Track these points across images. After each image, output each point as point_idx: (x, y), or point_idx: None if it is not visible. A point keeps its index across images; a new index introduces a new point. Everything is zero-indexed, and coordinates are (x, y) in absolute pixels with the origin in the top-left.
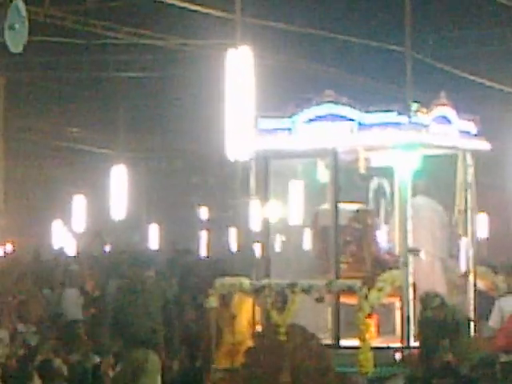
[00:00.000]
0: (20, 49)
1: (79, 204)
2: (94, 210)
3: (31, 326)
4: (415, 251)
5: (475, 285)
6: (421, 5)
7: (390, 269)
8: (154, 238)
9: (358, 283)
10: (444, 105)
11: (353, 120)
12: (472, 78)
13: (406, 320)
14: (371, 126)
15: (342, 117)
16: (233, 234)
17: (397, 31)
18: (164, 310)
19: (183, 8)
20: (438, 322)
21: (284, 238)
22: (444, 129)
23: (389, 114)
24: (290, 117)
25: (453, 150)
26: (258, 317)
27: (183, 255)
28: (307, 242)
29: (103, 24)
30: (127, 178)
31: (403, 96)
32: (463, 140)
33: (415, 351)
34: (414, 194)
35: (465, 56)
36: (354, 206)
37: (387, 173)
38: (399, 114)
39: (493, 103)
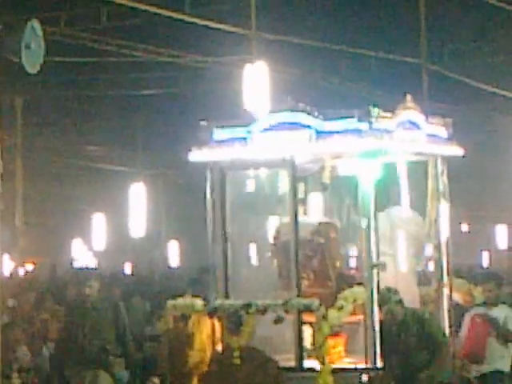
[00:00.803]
0: (36, 69)
1: (99, 222)
2: (114, 228)
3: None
4: (380, 266)
5: (450, 298)
6: (435, 17)
7: (359, 284)
8: (173, 254)
9: (315, 302)
10: (410, 109)
11: (311, 128)
12: (493, 89)
13: (371, 339)
14: (330, 133)
15: (299, 124)
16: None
17: (412, 44)
18: (116, 328)
19: (199, 25)
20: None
21: (246, 255)
22: (411, 134)
23: (349, 120)
24: (245, 126)
25: (422, 156)
26: (217, 338)
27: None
28: (270, 258)
29: (119, 42)
30: (146, 195)
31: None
32: (433, 145)
33: (382, 372)
34: (389, 205)
35: (481, 67)
36: (316, 219)
37: (353, 182)
38: (360, 120)
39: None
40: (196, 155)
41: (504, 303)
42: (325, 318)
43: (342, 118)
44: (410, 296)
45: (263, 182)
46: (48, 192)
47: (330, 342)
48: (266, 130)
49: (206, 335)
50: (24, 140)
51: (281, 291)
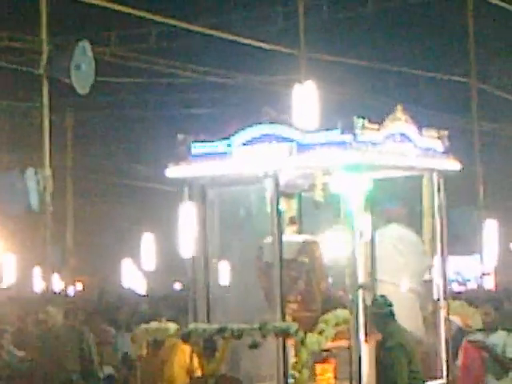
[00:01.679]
0: (87, 90)
1: (148, 242)
2: (164, 248)
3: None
4: (365, 287)
5: (446, 321)
6: (484, 36)
7: (345, 307)
8: (224, 273)
9: (293, 326)
10: (400, 120)
11: (292, 140)
12: None
13: (357, 366)
14: (312, 146)
15: (279, 137)
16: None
17: (461, 63)
18: (81, 358)
19: (248, 45)
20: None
21: (230, 276)
22: (401, 147)
23: (332, 132)
24: (225, 140)
25: (414, 170)
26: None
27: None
28: (255, 280)
29: (168, 63)
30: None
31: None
32: (426, 159)
33: None
34: (388, 222)
35: None
36: (300, 238)
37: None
38: (343, 132)
39: None
40: (173, 171)
41: (504, 329)
42: (303, 343)
43: (326, 129)
44: (412, 321)
45: (248, 199)
46: (97, 212)
47: (318, 368)
48: (245, 143)
49: (181, 362)
50: (74, 160)
51: (267, 314)
